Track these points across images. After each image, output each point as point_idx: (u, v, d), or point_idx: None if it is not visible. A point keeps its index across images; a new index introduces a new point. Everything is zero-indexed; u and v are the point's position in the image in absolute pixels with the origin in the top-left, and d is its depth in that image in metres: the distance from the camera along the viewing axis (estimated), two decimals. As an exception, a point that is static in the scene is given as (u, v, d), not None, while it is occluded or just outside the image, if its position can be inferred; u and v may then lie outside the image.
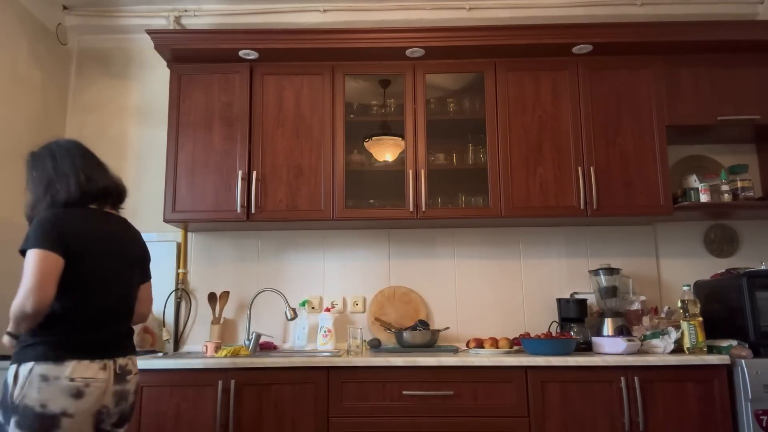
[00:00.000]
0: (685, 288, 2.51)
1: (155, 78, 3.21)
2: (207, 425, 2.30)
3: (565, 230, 3.04)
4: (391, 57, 2.83)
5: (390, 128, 2.86)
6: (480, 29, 2.75)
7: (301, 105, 2.82)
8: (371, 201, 2.87)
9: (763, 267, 2.53)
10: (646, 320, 2.68)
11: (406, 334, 2.70)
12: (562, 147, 2.76)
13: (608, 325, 2.67)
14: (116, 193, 1.89)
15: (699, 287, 2.79)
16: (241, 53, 2.79)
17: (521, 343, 2.53)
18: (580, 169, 2.73)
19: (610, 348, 2.45)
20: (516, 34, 2.74)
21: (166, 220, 2.75)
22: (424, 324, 2.78)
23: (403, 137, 2.80)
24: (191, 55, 2.81)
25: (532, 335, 2.57)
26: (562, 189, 2.73)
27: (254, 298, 2.93)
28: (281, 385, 2.34)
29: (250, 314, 2.92)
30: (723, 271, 2.77)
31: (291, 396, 2.33)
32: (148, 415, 2.31)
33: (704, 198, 2.74)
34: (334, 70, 2.84)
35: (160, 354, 2.73)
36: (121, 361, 1.74)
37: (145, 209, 3.09)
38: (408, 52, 2.79)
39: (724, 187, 2.79)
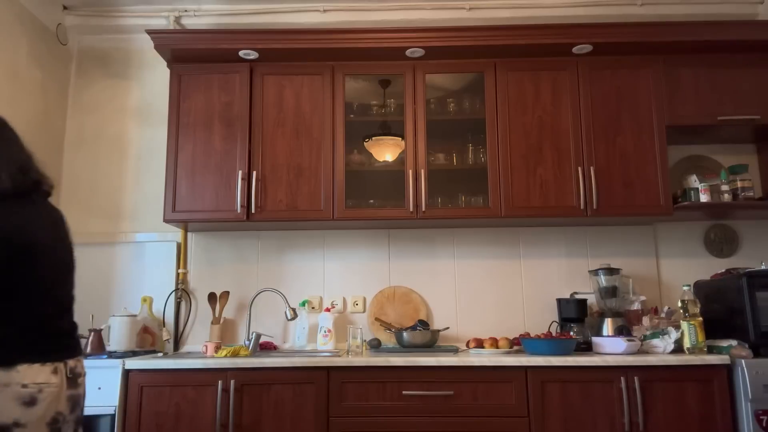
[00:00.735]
0: (685, 288, 2.51)
1: (155, 78, 3.21)
2: (207, 425, 2.30)
3: (565, 230, 3.04)
4: (391, 57, 2.83)
5: (390, 128, 2.86)
6: (480, 29, 2.75)
7: (301, 105, 2.82)
8: (371, 201, 2.87)
9: (763, 267, 2.53)
10: (646, 320, 2.68)
11: (406, 334, 2.70)
12: (562, 147, 2.76)
13: (608, 325, 2.67)
14: (49, 184, 1.68)
15: (699, 287, 2.79)
16: (241, 53, 2.79)
17: (521, 343, 2.53)
18: (580, 169, 2.73)
19: (610, 348, 2.45)
20: (516, 34, 2.74)
21: (166, 220, 2.75)
22: (424, 324, 2.78)
23: (403, 137, 2.80)
24: (191, 55, 2.81)
25: (532, 335, 2.57)
26: (562, 189, 2.73)
27: (254, 298, 2.93)
28: (281, 385, 2.34)
29: (250, 314, 2.92)
30: (723, 271, 2.77)
31: (291, 396, 2.33)
32: (148, 415, 2.31)
33: (704, 198, 2.74)
34: (334, 70, 2.84)
35: (160, 354, 2.73)
36: (70, 363, 1.57)
37: (145, 209, 3.09)
38: (408, 52, 2.79)
39: (724, 187, 2.79)
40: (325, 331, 2.83)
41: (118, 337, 2.67)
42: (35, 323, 1.53)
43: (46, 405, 1.47)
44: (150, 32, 2.76)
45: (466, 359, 2.33)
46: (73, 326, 1.65)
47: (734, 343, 2.36)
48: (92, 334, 2.61)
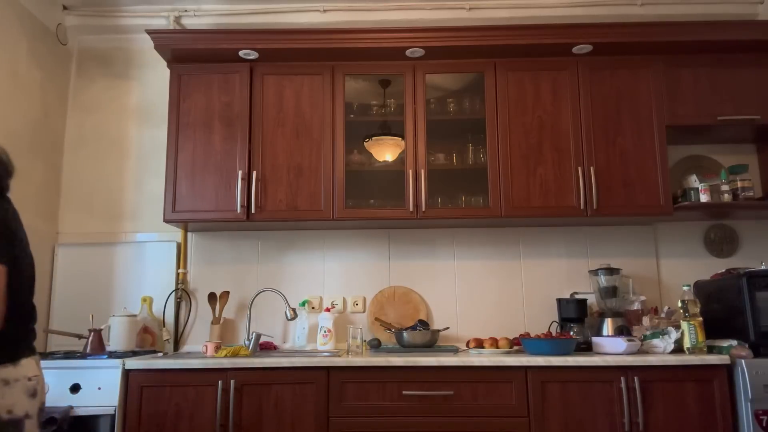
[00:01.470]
0: (685, 288, 2.51)
1: (155, 78, 3.21)
2: (207, 425, 2.30)
3: (565, 230, 3.04)
4: (391, 57, 2.83)
5: (390, 128, 2.86)
6: (480, 29, 2.75)
7: (301, 105, 2.82)
8: (371, 201, 2.87)
9: (763, 267, 2.53)
10: (646, 320, 2.68)
11: (406, 334, 2.70)
12: (562, 147, 2.76)
13: (608, 325, 2.67)
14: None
15: (699, 287, 2.79)
16: (241, 53, 2.79)
17: (521, 343, 2.53)
18: (580, 169, 2.73)
19: (610, 348, 2.45)
20: (516, 34, 2.74)
21: (166, 220, 2.75)
22: (424, 324, 2.78)
23: (403, 137, 2.80)
24: (191, 55, 2.81)
25: (532, 335, 2.57)
26: (562, 189, 2.73)
27: (254, 298, 2.93)
28: (281, 385, 2.34)
29: (250, 314, 2.92)
30: (723, 271, 2.77)
31: (291, 396, 2.33)
32: (148, 415, 2.31)
33: (704, 198, 2.74)
34: (334, 70, 2.84)
35: (160, 354, 2.73)
36: (37, 355, 1.65)
37: (145, 209, 3.09)
38: (408, 52, 2.79)
39: (724, 187, 2.79)
40: (325, 331, 2.83)
41: (118, 337, 2.67)
42: (25, 318, 1.59)
43: (40, 395, 1.56)
44: (150, 32, 2.76)
45: (466, 359, 2.33)
46: (36, 318, 1.71)
47: (734, 343, 2.36)
48: (92, 334, 2.61)
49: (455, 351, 2.61)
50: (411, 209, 2.72)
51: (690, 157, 3.08)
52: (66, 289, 2.95)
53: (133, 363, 2.34)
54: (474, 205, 2.83)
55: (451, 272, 3.02)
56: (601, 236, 3.03)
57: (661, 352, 2.44)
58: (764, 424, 2.23)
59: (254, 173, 2.75)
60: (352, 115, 2.89)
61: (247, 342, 2.74)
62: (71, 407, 2.27)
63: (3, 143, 2.69)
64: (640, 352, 2.47)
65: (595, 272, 2.79)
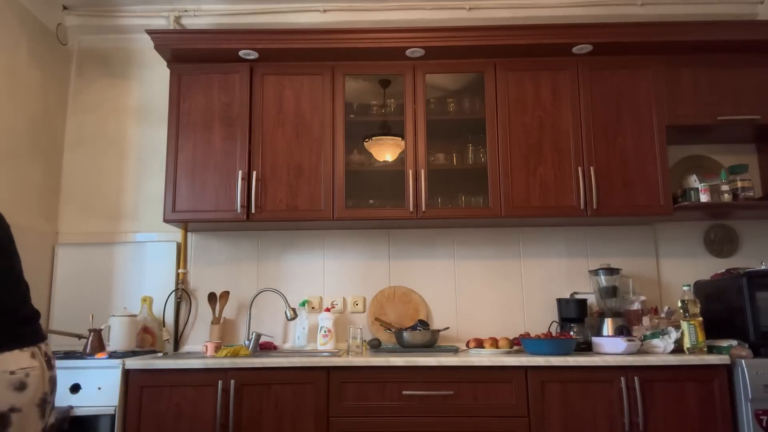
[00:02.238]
0: (685, 288, 2.51)
1: (155, 78, 3.21)
2: (207, 425, 2.30)
3: (565, 230, 3.04)
4: (391, 57, 2.83)
5: (390, 128, 2.86)
6: (480, 29, 2.75)
7: (301, 105, 2.82)
8: (371, 201, 2.87)
9: (763, 267, 2.53)
10: (646, 320, 2.68)
11: (406, 334, 2.70)
12: (562, 147, 2.76)
13: (608, 325, 2.67)
14: None
15: (699, 287, 2.79)
16: (241, 53, 2.79)
17: (521, 343, 2.53)
18: (580, 169, 2.73)
19: (610, 348, 2.45)
20: (516, 34, 2.74)
21: (166, 220, 2.75)
22: (424, 324, 2.78)
23: (403, 137, 2.80)
24: (191, 55, 2.81)
25: (532, 335, 2.57)
26: (562, 189, 2.73)
27: (254, 298, 2.93)
28: (281, 385, 2.34)
29: (250, 314, 2.92)
30: (723, 271, 2.77)
31: (291, 396, 2.33)
32: (148, 415, 2.31)
33: (704, 198, 2.74)
34: (334, 70, 2.84)
35: (160, 354, 2.73)
36: (43, 346, 1.62)
37: (145, 209, 3.09)
38: (408, 52, 2.79)
39: (724, 187, 2.79)
40: (325, 331, 2.83)
41: (118, 337, 2.67)
42: (8, 311, 1.57)
43: (34, 388, 1.54)
44: (150, 32, 2.76)
45: (466, 359, 2.33)
46: (36, 312, 1.69)
47: (734, 343, 2.36)
48: (92, 334, 2.61)
49: (455, 351, 2.61)
50: (411, 209, 2.72)
51: (690, 157, 3.08)
52: (66, 289, 2.95)
53: (133, 363, 2.34)
54: (474, 205, 2.83)
55: (451, 272, 3.02)
56: (601, 236, 3.03)
57: (661, 352, 2.44)
58: (764, 424, 2.23)
59: (254, 173, 2.75)
60: (352, 115, 2.89)
61: (247, 342, 2.74)
62: (71, 407, 2.27)
63: (3, 143, 2.69)
64: (640, 352, 2.47)
65: (595, 272, 2.79)
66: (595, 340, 2.54)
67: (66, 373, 2.31)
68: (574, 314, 2.72)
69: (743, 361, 2.27)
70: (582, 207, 2.70)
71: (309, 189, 2.75)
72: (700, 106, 2.77)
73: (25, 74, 2.85)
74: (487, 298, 2.99)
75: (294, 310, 2.83)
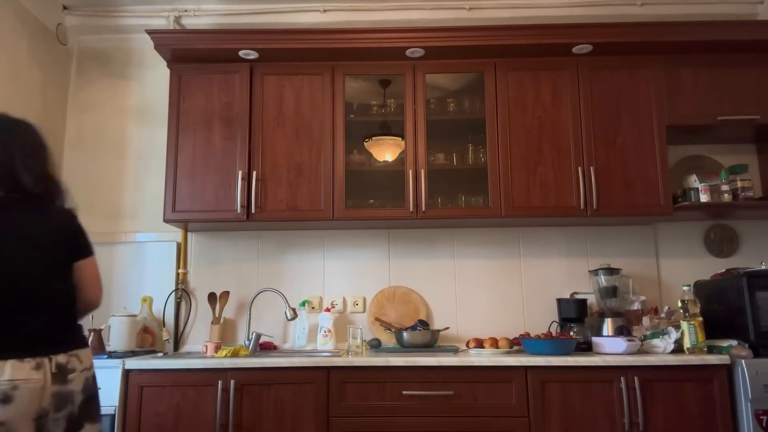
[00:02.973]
0: (685, 288, 2.51)
1: (155, 78, 3.21)
2: (207, 425, 2.30)
3: (565, 230, 3.04)
4: (391, 57, 2.83)
5: (390, 128, 2.86)
6: (480, 29, 2.75)
7: (301, 105, 2.82)
8: (371, 201, 2.87)
9: (763, 267, 2.53)
10: (646, 320, 2.68)
11: (406, 334, 2.70)
12: (562, 147, 2.76)
13: (608, 325, 2.67)
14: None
15: (699, 287, 2.79)
16: (241, 53, 2.78)
17: (521, 343, 2.53)
18: (580, 169, 2.73)
19: (610, 348, 2.45)
20: (516, 34, 2.74)
21: (166, 220, 2.75)
22: (424, 324, 2.78)
23: (403, 137, 2.80)
24: (191, 55, 2.81)
25: (532, 335, 2.57)
26: (562, 189, 2.73)
27: (254, 298, 2.93)
28: (281, 385, 2.34)
29: (250, 314, 2.92)
30: (723, 271, 2.77)
31: (291, 396, 2.33)
32: (148, 415, 2.31)
33: (704, 198, 2.74)
34: (334, 70, 2.84)
35: (160, 354, 2.73)
36: (60, 358, 1.54)
37: (145, 209, 3.09)
38: (408, 52, 2.79)
39: (724, 187, 2.79)
40: (325, 331, 2.83)
41: (118, 337, 2.67)
42: (9, 322, 1.51)
43: (26, 401, 1.45)
44: (150, 32, 2.76)
45: (466, 359, 2.33)
46: (57, 321, 1.60)
47: (734, 343, 2.36)
48: (92, 334, 2.61)
49: (455, 351, 2.61)
50: (411, 209, 2.72)
51: (690, 157, 3.08)
52: (66, 289, 2.95)
53: (133, 363, 2.34)
54: (474, 205, 2.83)
55: (451, 272, 3.02)
56: (601, 236, 3.02)
57: (661, 352, 2.44)
58: (764, 424, 2.23)
59: (254, 173, 2.75)
60: (352, 115, 2.89)
61: (247, 342, 2.74)
62: None
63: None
64: (640, 352, 2.47)
65: (595, 272, 2.79)
66: (595, 340, 2.54)
67: (66, 373, 2.31)
68: (574, 314, 2.72)
69: (743, 361, 2.27)
70: (582, 207, 2.70)
71: (309, 189, 2.75)
72: (700, 106, 2.77)
73: (25, 74, 2.85)
74: (487, 298, 2.98)
75: (294, 310, 2.83)
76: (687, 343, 2.39)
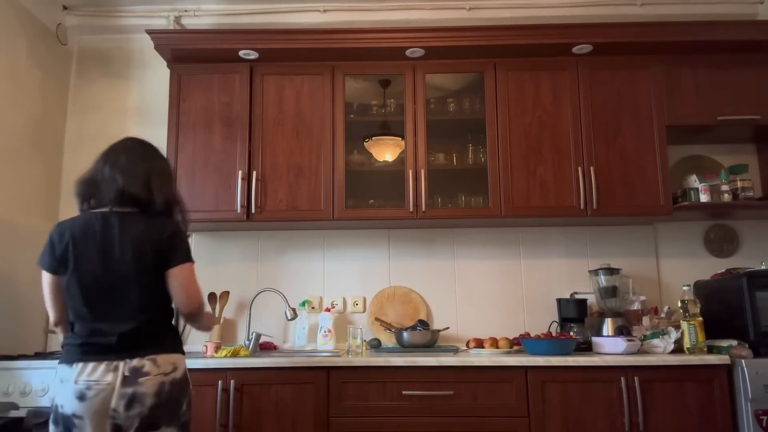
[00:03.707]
0: (685, 288, 2.51)
1: (155, 78, 3.21)
2: (207, 425, 2.30)
3: (565, 230, 3.04)
4: (391, 57, 2.83)
5: (390, 128, 2.86)
6: (480, 29, 2.75)
7: (301, 105, 2.82)
8: (371, 201, 2.87)
9: (763, 267, 2.53)
10: (646, 320, 2.68)
11: (406, 334, 2.70)
12: (562, 147, 2.76)
13: (608, 325, 2.67)
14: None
15: (699, 287, 2.79)
16: (241, 53, 2.79)
17: (521, 343, 2.53)
18: (580, 169, 2.73)
19: (610, 348, 2.45)
20: (516, 34, 2.74)
21: (166, 220, 2.74)
22: (424, 324, 2.78)
23: (403, 137, 2.80)
24: (191, 55, 2.81)
25: (532, 335, 2.57)
26: (562, 189, 2.73)
27: (254, 298, 2.93)
28: (281, 385, 2.34)
29: (250, 314, 2.92)
30: (723, 271, 2.77)
31: (291, 396, 2.33)
32: (148, 415, 2.31)
33: (704, 198, 2.74)
34: (334, 70, 2.84)
35: (160, 354, 2.72)
36: (134, 362, 1.66)
37: (145, 209, 3.09)
38: (408, 52, 2.79)
39: (724, 187, 2.78)
40: (325, 331, 2.83)
41: (118, 337, 2.67)
42: (86, 329, 1.69)
43: (99, 400, 1.61)
44: (150, 32, 2.76)
45: (466, 359, 2.33)
46: (140, 328, 1.71)
47: (734, 343, 2.36)
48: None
49: (455, 351, 2.61)
50: (411, 209, 2.72)
51: (690, 157, 3.08)
52: (66, 289, 2.95)
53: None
54: (474, 205, 2.83)
55: (451, 272, 3.02)
56: (601, 236, 3.02)
57: (661, 352, 2.44)
58: (764, 424, 2.23)
59: (254, 173, 2.75)
60: (352, 115, 2.89)
61: (247, 342, 2.74)
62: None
63: (3, 143, 2.69)
64: (640, 352, 2.47)
65: (595, 272, 2.79)
66: (595, 340, 2.54)
67: (66, 373, 2.31)
68: (574, 314, 2.73)
69: (743, 361, 2.27)
70: (582, 207, 2.70)
71: (309, 189, 2.75)
72: (700, 106, 2.77)
73: (25, 74, 2.85)
74: (487, 298, 2.98)
75: (294, 310, 2.83)
76: (687, 343, 2.39)
